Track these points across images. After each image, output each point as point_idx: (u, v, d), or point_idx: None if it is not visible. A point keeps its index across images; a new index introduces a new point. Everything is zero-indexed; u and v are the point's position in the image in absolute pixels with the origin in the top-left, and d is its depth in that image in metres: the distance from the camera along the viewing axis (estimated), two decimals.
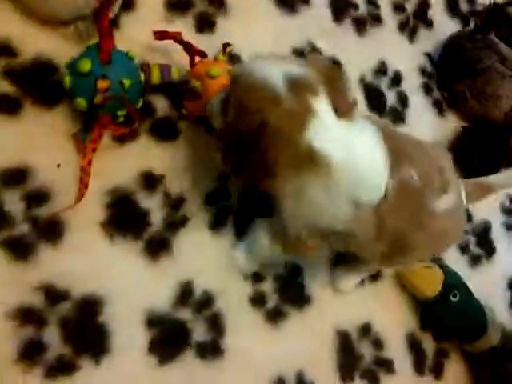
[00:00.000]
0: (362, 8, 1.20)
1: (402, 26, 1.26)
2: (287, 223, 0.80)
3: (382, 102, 1.18)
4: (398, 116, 1.19)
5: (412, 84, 1.23)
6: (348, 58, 1.13)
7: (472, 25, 1.34)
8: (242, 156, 0.72)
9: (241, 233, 0.95)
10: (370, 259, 0.90)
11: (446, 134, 1.26)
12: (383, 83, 1.19)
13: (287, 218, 0.79)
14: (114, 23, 0.89)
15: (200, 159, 0.94)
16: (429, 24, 1.31)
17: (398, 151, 0.76)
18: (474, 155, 1.25)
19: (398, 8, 1.26)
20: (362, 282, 1.06)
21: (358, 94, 1.14)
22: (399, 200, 0.76)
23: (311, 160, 0.70)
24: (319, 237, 0.80)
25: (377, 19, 1.22)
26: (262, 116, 0.68)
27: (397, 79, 1.21)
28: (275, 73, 0.70)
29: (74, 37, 0.85)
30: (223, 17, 1.01)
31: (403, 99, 1.21)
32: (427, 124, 1.24)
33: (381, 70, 1.20)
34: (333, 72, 0.75)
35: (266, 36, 1.03)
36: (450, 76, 1.26)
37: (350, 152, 0.72)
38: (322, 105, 0.70)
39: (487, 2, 1.42)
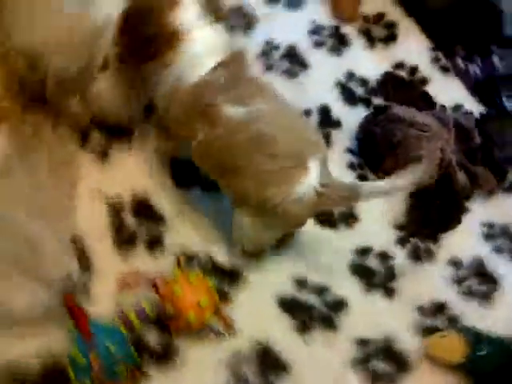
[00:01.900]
0: None
1: None
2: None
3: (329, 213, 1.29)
4: (350, 214, 1.30)
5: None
6: None
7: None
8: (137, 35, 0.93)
9: None
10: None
11: (399, 207, 1.36)
12: None
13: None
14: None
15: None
16: (337, 124, 1.44)
17: (230, 62, 0.96)
18: (430, 210, 1.35)
19: None
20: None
21: None
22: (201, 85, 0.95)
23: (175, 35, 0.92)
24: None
25: None
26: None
27: None
28: None
29: None
30: (166, 229, 1.14)
31: None
32: (379, 209, 1.34)
33: None
34: None
35: None
36: (374, 159, 1.39)
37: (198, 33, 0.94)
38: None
39: (376, 76, 1.58)
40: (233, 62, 0.97)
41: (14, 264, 0.92)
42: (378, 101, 1.53)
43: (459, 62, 1.78)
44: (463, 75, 1.75)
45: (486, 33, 1.73)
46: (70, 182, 1.07)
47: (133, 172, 1.17)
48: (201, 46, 0.96)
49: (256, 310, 1.12)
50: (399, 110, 1.40)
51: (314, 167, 0.95)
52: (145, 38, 0.94)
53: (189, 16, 0.95)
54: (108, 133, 1.17)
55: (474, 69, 1.80)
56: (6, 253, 0.95)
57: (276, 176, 0.93)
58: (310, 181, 0.94)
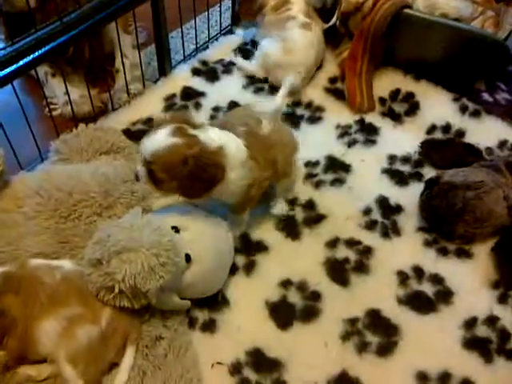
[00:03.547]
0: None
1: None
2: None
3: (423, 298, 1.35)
4: (444, 291, 1.35)
5: (432, 267, 1.41)
6: None
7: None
8: (188, 182, 1.16)
9: None
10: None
11: (487, 265, 1.40)
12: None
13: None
14: None
15: None
16: (399, 209, 1.52)
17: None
18: None
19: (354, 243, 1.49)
20: None
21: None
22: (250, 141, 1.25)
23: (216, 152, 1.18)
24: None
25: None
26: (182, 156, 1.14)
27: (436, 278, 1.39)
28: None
29: None
30: (286, 371, 1.23)
31: (439, 279, 1.38)
32: (470, 276, 1.39)
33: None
34: (183, 115, 1.24)
35: None
36: (446, 230, 1.44)
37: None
38: (192, 130, 1.18)
39: (415, 148, 1.66)
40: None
41: None
42: (426, 170, 1.61)
43: (485, 96, 1.84)
44: (495, 108, 1.81)
45: (497, 59, 1.79)
46: (192, 363, 1.19)
47: (237, 332, 1.27)
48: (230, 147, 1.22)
49: None
50: (450, 177, 1.45)
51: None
52: (206, 180, 1.18)
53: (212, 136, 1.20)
54: (206, 305, 1.30)
55: (503, 96, 1.86)
56: None
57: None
58: None
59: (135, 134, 1.64)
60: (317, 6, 1.94)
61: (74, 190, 1.32)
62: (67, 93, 1.58)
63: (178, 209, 1.31)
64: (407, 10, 1.71)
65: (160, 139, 1.15)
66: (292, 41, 1.76)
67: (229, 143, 1.22)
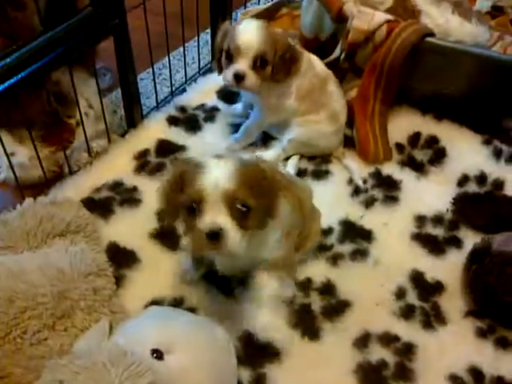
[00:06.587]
0: None
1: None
2: None
3: None
4: None
5: (492, 366, 1.09)
6: None
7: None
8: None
9: None
10: None
11: None
12: None
13: None
14: None
15: None
16: (439, 288, 1.21)
17: None
18: None
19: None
20: None
21: None
22: None
23: None
24: None
25: None
26: None
27: None
28: None
29: None
30: None
31: None
32: None
33: None
34: None
35: None
36: (505, 316, 1.14)
37: None
38: None
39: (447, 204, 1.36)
40: None
41: None
42: (464, 233, 1.31)
43: None
44: None
45: None
46: None
47: None
48: None
49: None
50: (502, 246, 1.17)
51: None
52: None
53: None
54: None
55: None
56: None
57: None
58: None
59: (99, 204, 1.30)
60: (308, 37, 1.64)
61: (15, 294, 0.98)
62: (5, 152, 1.22)
63: (160, 316, 0.96)
64: (430, 39, 1.41)
65: None
66: (335, 105, 1.43)
67: None
